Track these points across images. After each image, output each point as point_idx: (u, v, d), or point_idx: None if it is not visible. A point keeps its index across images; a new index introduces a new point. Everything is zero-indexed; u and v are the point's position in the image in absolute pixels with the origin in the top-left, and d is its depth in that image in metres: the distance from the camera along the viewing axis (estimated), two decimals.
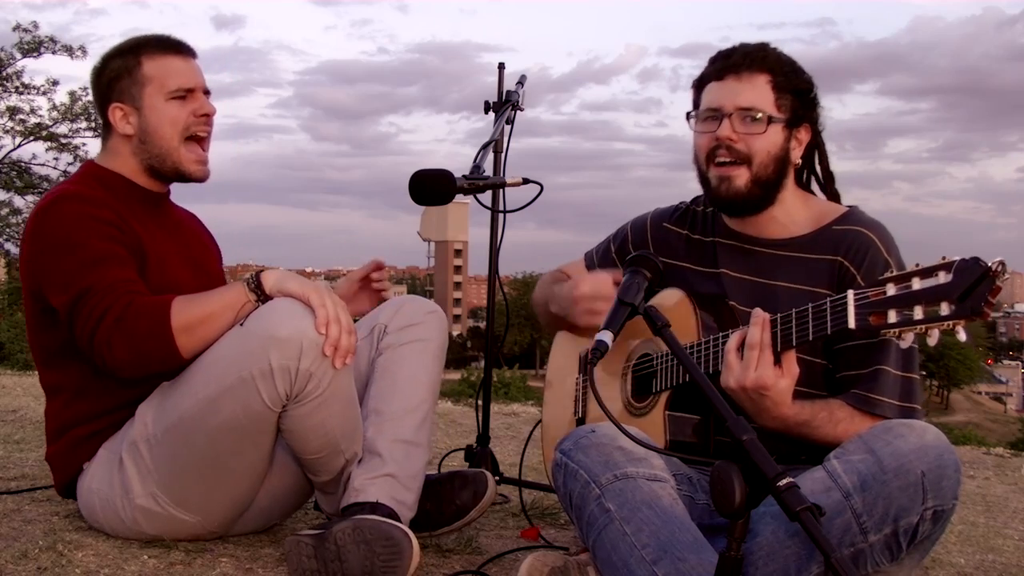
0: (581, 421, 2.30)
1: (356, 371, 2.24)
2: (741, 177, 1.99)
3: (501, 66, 2.88)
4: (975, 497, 3.53)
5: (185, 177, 2.25)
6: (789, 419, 1.79)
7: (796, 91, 2.02)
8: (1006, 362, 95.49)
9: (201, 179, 2.27)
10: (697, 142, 2.08)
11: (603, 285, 2.13)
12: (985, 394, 75.74)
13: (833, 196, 2.14)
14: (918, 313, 1.47)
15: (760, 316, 1.75)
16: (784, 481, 1.34)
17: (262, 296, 1.96)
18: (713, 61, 2.07)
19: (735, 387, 1.75)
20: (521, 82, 2.89)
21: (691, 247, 2.19)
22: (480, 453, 2.72)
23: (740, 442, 1.40)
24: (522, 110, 2.82)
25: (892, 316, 1.52)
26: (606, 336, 1.68)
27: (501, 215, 2.73)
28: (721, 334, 1.88)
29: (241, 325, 1.92)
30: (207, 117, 2.23)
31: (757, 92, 1.99)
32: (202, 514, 2.09)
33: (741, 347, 1.76)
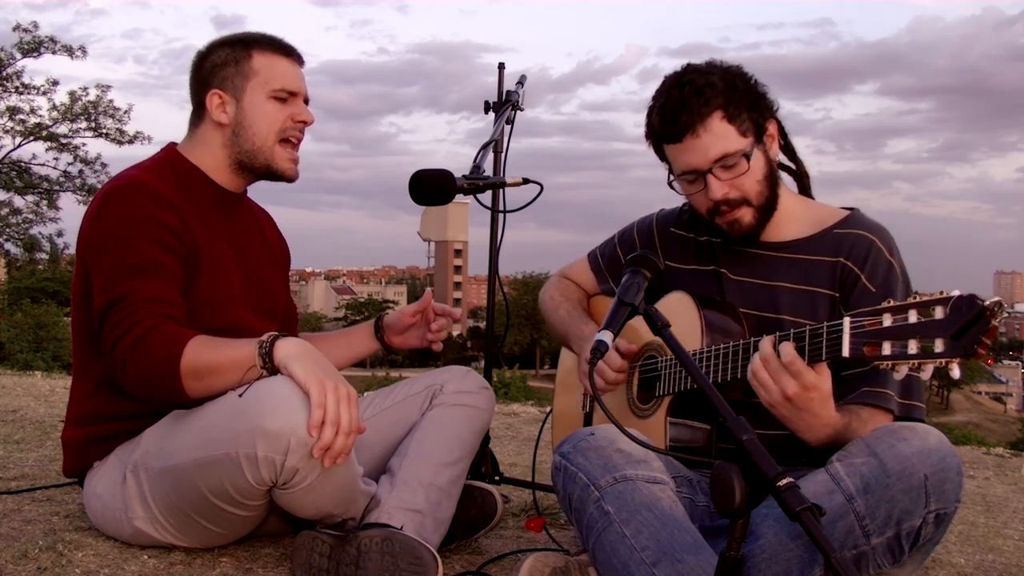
0: (588, 417, 2.31)
1: (406, 420, 2.28)
2: (747, 215, 1.99)
3: (501, 66, 2.88)
4: (975, 497, 3.53)
5: (276, 175, 2.23)
6: (837, 421, 1.76)
7: (748, 103, 1.95)
8: (1006, 362, 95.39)
9: (292, 178, 2.25)
10: (694, 202, 2.06)
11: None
12: (985, 394, 75.68)
13: (805, 190, 2.13)
14: (912, 348, 1.46)
15: (770, 339, 1.73)
16: (784, 481, 1.34)
17: (269, 364, 1.86)
18: (663, 121, 1.97)
19: (780, 399, 1.71)
20: (521, 82, 2.89)
21: (698, 250, 2.18)
22: (480, 453, 2.72)
23: (740, 442, 1.39)
24: (522, 110, 2.82)
25: (887, 348, 1.50)
26: (606, 336, 1.67)
27: (501, 215, 2.73)
28: (724, 345, 1.87)
29: (240, 396, 1.84)
30: (304, 124, 2.23)
31: (719, 138, 1.92)
32: (200, 543, 2.08)
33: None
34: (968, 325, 1.39)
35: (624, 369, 2.10)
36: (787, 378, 1.69)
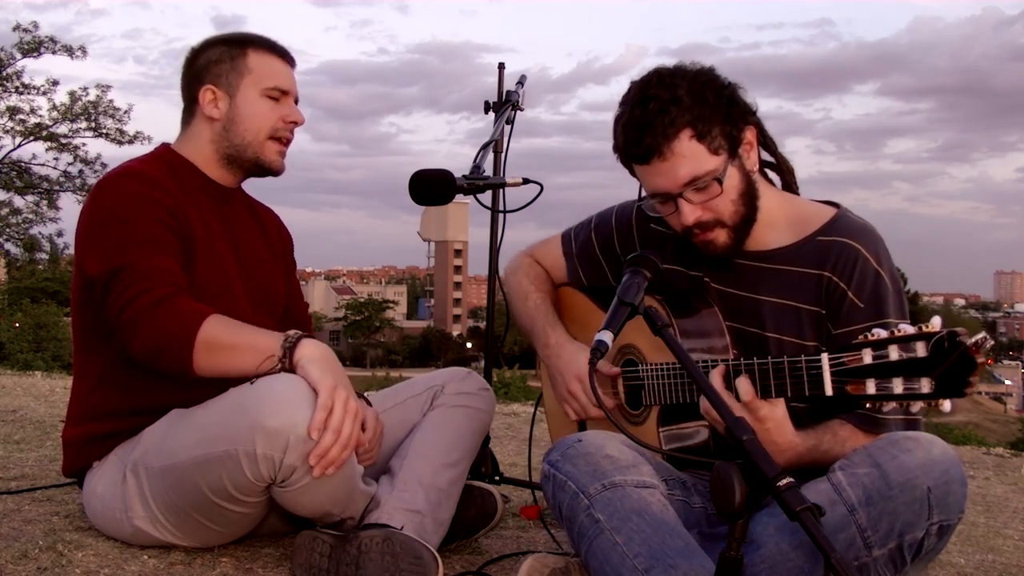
0: (582, 423, 2.29)
1: (407, 421, 2.27)
2: (721, 235, 1.89)
3: (501, 66, 2.88)
4: (975, 497, 3.52)
5: (264, 168, 2.24)
6: (799, 445, 1.74)
7: (720, 116, 1.82)
8: (1006, 362, 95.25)
9: (279, 171, 2.26)
10: (668, 222, 1.97)
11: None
12: (985, 394, 75.54)
13: (789, 187, 2.04)
14: (898, 387, 1.40)
15: (719, 371, 1.71)
16: (784, 481, 1.33)
17: (288, 359, 1.87)
18: (627, 141, 1.85)
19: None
20: (521, 82, 2.88)
21: (680, 250, 2.06)
22: (480, 453, 2.72)
23: (740, 442, 1.39)
24: (522, 110, 2.82)
25: (871, 387, 1.44)
26: (606, 336, 1.65)
27: (501, 215, 2.73)
28: (702, 362, 1.81)
29: (251, 383, 1.85)
30: (294, 124, 2.25)
31: (689, 159, 1.80)
32: (200, 542, 2.08)
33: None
34: (952, 365, 1.33)
35: (616, 406, 2.08)
36: (738, 411, 1.65)
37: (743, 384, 1.67)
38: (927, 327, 1.38)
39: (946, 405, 1.38)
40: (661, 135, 1.80)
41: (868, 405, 1.48)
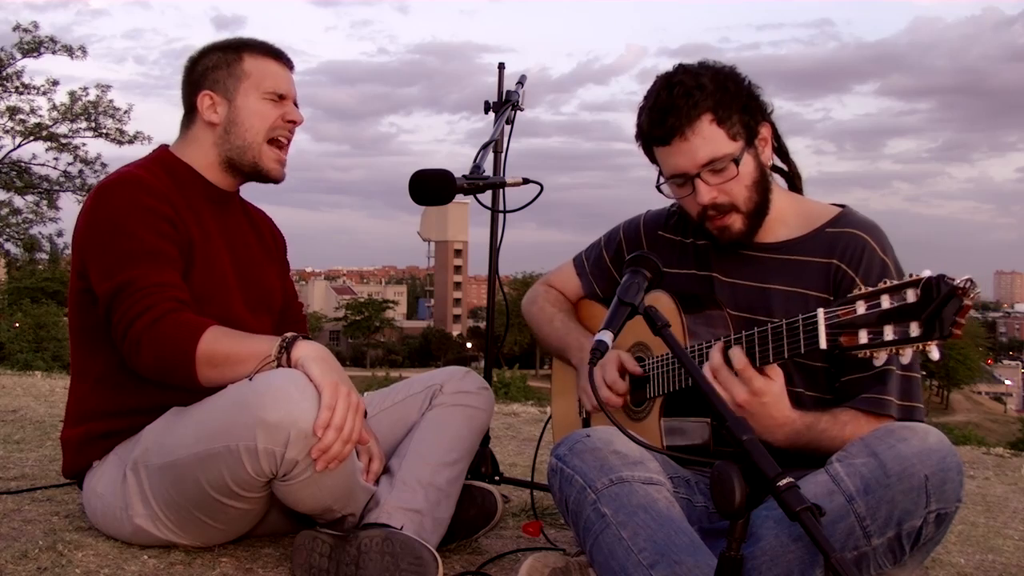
0: (586, 422, 2.30)
1: (406, 420, 2.28)
2: (736, 221, 1.97)
3: (501, 66, 2.88)
4: (975, 497, 3.53)
5: (262, 174, 2.25)
6: (796, 421, 1.77)
7: (739, 106, 1.92)
8: (1006, 362, 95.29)
9: (278, 179, 2.28)
10: (684, 206, 2.05)
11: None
12: (985, 394, 75.62)
13: (796, 192, 2.12)
14: (888, 333, 1.44)
15: (719, 346, 1.77)
16: (784, 481, 1.33)
17: (285, 361, 1.89)
18: (651, 123, 1.95)
19: (732, 407, 1.72)
20: (521, 82, 2.89)
21: (685, 253, 2.16)
22: (480, 453, 2.72)
23: (740, 442, 1.39)
24: (522, 110, 2.82)
25: (863, 336, 1.49)
26: (606, 336, 1.66)
27: (501, 215, 2.73)
28: (706, 342, 1.86)
29: (250, 380, 1.85)
30: (293, 124, 2.26)
31: (708, 141, 1.90)
32: (201, 540, 2.08)
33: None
34: (941, 306, 1.38)
35: (627, 392, 2.08)
36: (737, 385, 1.73)
37: (735, 354, 1.73)
38: (916, 275, 1.43)
39: (934, 351, 1.42)
40: (685, 116, 1.90)
41: (861, 356, 1.50)
